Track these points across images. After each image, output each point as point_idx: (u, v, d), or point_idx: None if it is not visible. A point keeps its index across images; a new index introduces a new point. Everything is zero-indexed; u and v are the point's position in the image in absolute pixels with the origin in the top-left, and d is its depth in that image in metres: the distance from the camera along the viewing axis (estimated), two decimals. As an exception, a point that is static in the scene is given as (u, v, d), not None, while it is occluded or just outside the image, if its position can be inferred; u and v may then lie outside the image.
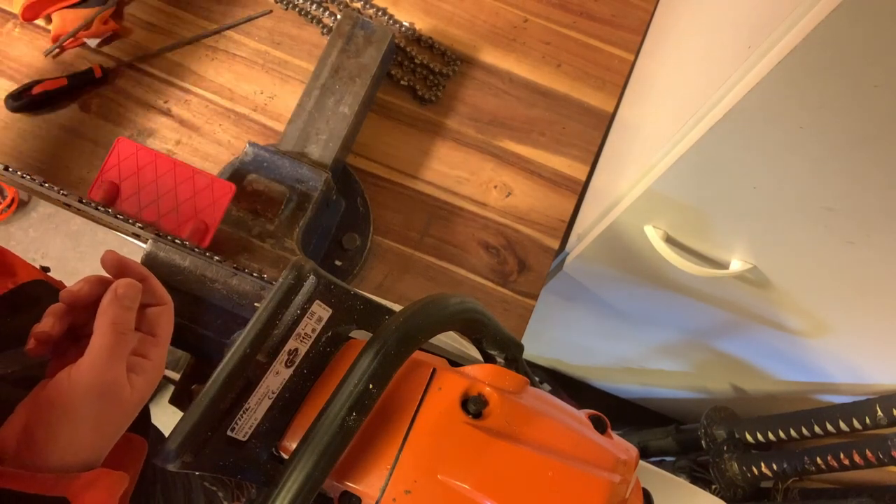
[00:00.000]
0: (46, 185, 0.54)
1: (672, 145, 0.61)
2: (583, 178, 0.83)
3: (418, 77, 0.84)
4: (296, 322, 0.42)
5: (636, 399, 1.55)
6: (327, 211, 0.74)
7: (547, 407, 0.41)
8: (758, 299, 0.80)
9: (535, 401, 0.41)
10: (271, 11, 0.85)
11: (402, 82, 0.83)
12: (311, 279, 0.42)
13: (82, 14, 0.79)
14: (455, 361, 0.45)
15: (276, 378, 0.41)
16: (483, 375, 0.41)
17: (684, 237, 0.74)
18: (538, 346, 1.49)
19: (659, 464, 1.24)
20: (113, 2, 0.82)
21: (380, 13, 0.86)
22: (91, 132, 0.79)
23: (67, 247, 1.66)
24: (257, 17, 0.85)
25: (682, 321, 1.02)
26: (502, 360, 0.47)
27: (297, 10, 0.85)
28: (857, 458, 0.85)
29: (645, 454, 1.24)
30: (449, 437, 0.38)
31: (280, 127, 0.81)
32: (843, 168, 0.52)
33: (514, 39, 0.87)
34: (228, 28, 0.84)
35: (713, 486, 1.02)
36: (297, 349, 0.42)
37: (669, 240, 0.75)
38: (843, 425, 0.86)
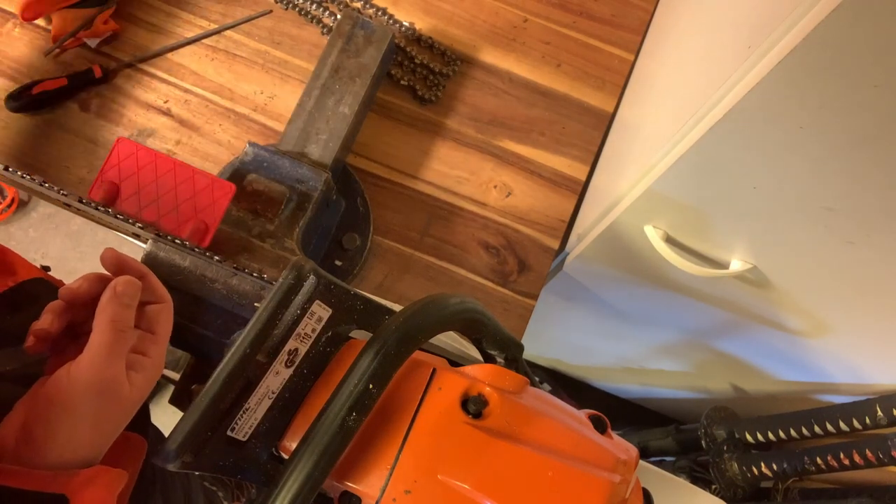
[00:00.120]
0: (46, 185, 0.54)
1: (672, 145, 0.61)
2: (583, 178, 0.83)
3: (418, 77, 0.84)
4: (296, 322, 0.42)
5: (636, 399, 1.55)
6: (327, 211, 0.74)
7: (547, 407, 0.41)
8: (758, 299, 0.81)
9: (535, 401, 0.41)
10: (271, 11, 0.85)
11: (402, 82, 0.83)
12: (311, 279, 0.42)
13: (82, 14, 0.79)
14: (455, 361, 0.45)
15: (276, 378, 0.41)
16: (483, 375, 0.41)
17: (684, 237, 0.74)
18: (538, 346, 1.49)
19: (659, 464, 1.24)
20: (113, 2, 0.82)
21: (380, 13, 0.86)
22: (91, 132, 0.79)
23: (67, 247, 1.66)
24: (257, 17, 0.85)
25: (682, 321, 1.02)
26: (502, 360, 0.47)
27: (297, 10, 0.85)
28: (857, 458, 0.85)
29: (645, 454, 1.24)
30: (449, 437, 0.38)
31: (280, 127, 0.81)
32: (843, 168, 0.52)
33: (513, 39, 0.87)
34: (228, 28, 0.84)
35: (713, 486, 1.02)
36: (297, 349, 0.42)
37: (669, 240, 0.75)
38: (843, 425, 0.86)
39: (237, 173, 0.68)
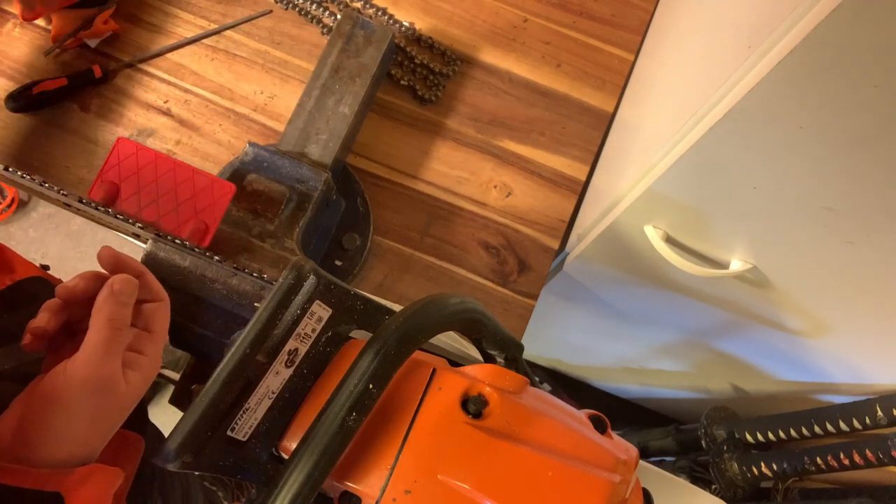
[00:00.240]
0: (46, 185, 0.54)
1: (672, 145, 0.61)
2: (583, 178, 0.83)
3: (418, 77, 0.84)
4: (296, 322, 0.42)
5: (636, 399, 1.55)
6: (327, 211, 0.74)
7: (547, 407, 0.41)
8: (758, 299, 0.81)
9: (535, 401, 0.41)
10: (271, 11, 0.85)
11: (402, 82, 0.83)
12: (311, 279, 0.42)
13: (82, 14, 0.79)
14: (455, 361, 0.45)
15: (276, 378, 0.41)
16: (483, 375, 0.41)
17: (684, 237, 0.74)
18: (538, 346, 1.49)
19: (659, 464, 1.24)
20: (113, 2, 0.82)
21: (380, 13, 0.86)
22: (91, 132, 0.79)
23: (67, 247, 1.66)
24: (257, 17, 0.85)
25: (682, 321, 1.02)
26: (502, 360, 0.47)
27: (297, 10, 0.85)
28: (857, 458, 0.85)
29: (645, 454, 1.24)
30: (449, 437, 0.38)
31: (280, 127, 0.81)
32: (843, 168, 0.52)
33: (513, 39, 0.87)
34: (228, 28, 0.84)
35: (713, 486, 1.02)
36: (297, 349, 0.42)
37: (669, 240, 0.75)
38: (843, 425, 0.86)
39: (237, 173, 0.68)
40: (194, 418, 0.37)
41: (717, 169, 0.60)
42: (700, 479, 1.07)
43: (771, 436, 0.98)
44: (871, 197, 0.54)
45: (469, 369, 0.42)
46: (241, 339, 0.40)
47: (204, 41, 0.83)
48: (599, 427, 0.42)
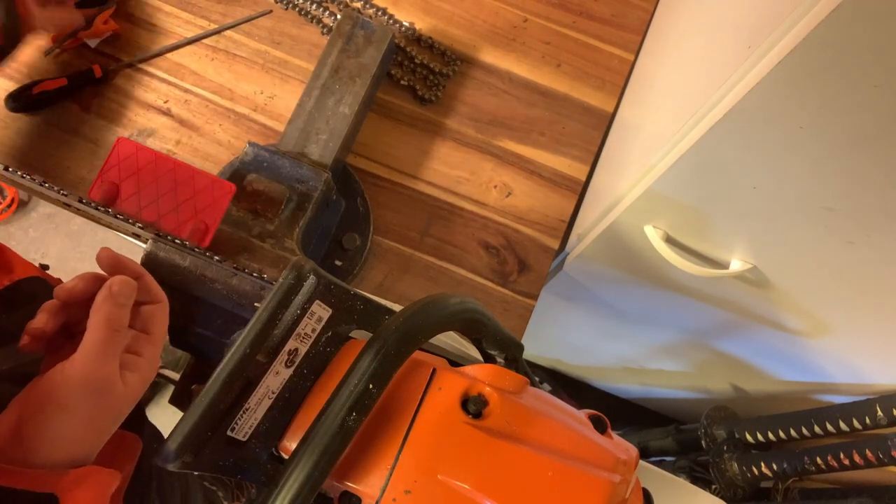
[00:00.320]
0: (46, 185, 0.54)
1: (672, 145, 0.61)
2: (583, 178, 0.83)
3: (418, 77, 0.84)
4: (296, 322, 0.42)
5: (636, 399, 1.55)
6: (327, 211, 0.74)
7: (547, 407, 0.41)
8: (758, 299, 0.80)
9: (535, 401, 0.41)
10: (271, 11, 0.85)
11: (402, 82, 0.83)
12: (311, 279, 0.42)
13: (82, 14, 0.79)
14: (455, 361, 0.45)
15: (276, 378, 0.41)
16: (483, 375, 0.41)
17: (684, 237, 0.74)
18: (538, 346, 1.49)
19: (659, 464, 1.24)
20: (113, 2, 0.82)
21: (380, 13, 0.86)
22: (91, 132, 0.79)
23: (67, 247, 1.66)
24: (257, 17, 0.85)
25: (682, 321, 1.02)
26: (502, 360, 0.47)
27: (297, 10, 0.85)
28: (857, 458, 0.85)
29: (645, 454, 1.24)
30: (449, 437, 0.38)
31: (280, 127, 0.81)
32: (843, 168, 0.52)
33: (513, 39, 0.87)
34: (228, 28, 0.84)
35: (713, 486, 1.02)
36: (297, 349, 0.42)
37: (669, 240, 0.75)
38: (843, 425, 0.86)
39: (237, 173, 0.68)
40: (194, 418, 0.37)
41: (717, 169, 0.60)
42: (700, 479, 1.07)
43: (771, 436, 0.98)
44: (871, 197, 0.54)
45: (469, 369, 0.42)
46: (241, 339, 0.40)
47: (204, 41, 0.83)
48: (599, 427, 0.42)
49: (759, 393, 1.11)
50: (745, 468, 1.00)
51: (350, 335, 0.45)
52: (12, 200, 1.65)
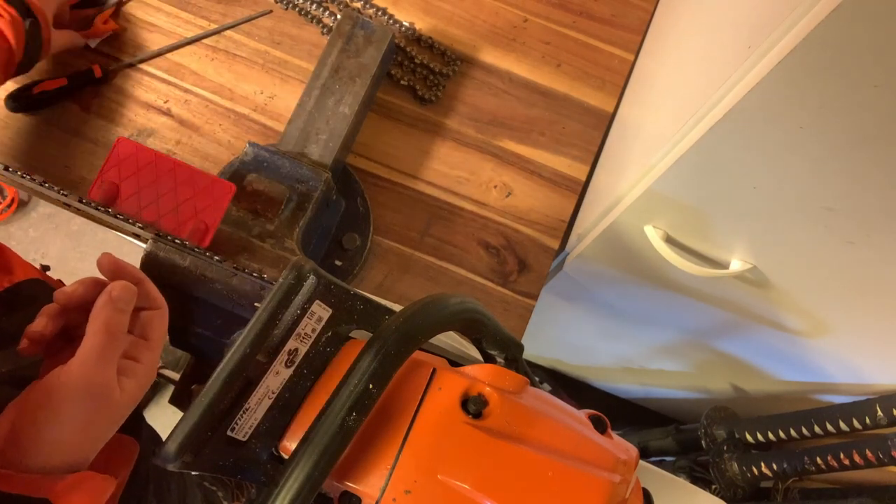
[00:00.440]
0: (46, 185, 0.54)
1: (672, 145, 0.61)
2: (583, 178, 0.83)
3: (418, 77, 0.84)
4: (296, 322, 0.42)
5: (636, 399, 1.55)
6: (327, 211, 0.74)
7: (547, 407, 0.41)
8: (758, 299, 0.80)
9: (535, 401, 0.41)
10: (271, 11, 0.85)
11: (402, 82, 0.83)
12: (311, 279, 0.42)
13: (81, 14, 0.79)
14: (455, 361, 0.45)
15: (276, 378, 0.41)
16: (483, 375, 0.41)
17: (684, 237, 0.74)
18: (538, 346, 1.49)
19: (659, 464, 1.24)
20: (113, 2, 0.82)
21: (380, 13, 0.86)
22: (91, 132, 0.79)
23: (67, 247, 1.66)
24: (257, 17, 0.85)
25: (682, 321, 1.02)
26: (502, 360, 0.47)
27: (297, 9, 0.85)
28: (857, 458, 0.85)
29: (645, 454, 1.24)
30: (449, 437, 0.38)
31: (280, 127, 0.81)
32: (843, 168, 0.52)
33: (513, 39, 0.87)
34: (228, 28, 0.84)
35: (713, 486, 1.02)
36: (297, 349, 0.42)
37: (669, 240, 0.75)
38: (843, 425, 0.86)
39: (237, 173, 0.68)
40: (194, 418, 0.37)
41: (717, 169, 0.60)
42: (700, 479, 1.07)
43: (771, 436, 0.98)
44: (871, 197, 0.54)
45: (469, 369, 0.42)
46: (241, 339, 0.40)
47: (204, 41, 0.83)
48: (599, 427, 0.42)
49: (759, 393, 1.11)
50: (745, 468, 1.00)
51: (350, 335, 0.45)
52: (12, 200, 1.65)
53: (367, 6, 0.86)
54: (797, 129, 0.50)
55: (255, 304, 0.56)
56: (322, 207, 0.71)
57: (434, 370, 0.41)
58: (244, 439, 0.40)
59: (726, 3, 0.61)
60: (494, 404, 0.39)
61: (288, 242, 0.65)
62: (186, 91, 0.81)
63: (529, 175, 0.82)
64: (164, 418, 1.39)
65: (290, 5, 0.85)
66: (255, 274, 0.57)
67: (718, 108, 0.52)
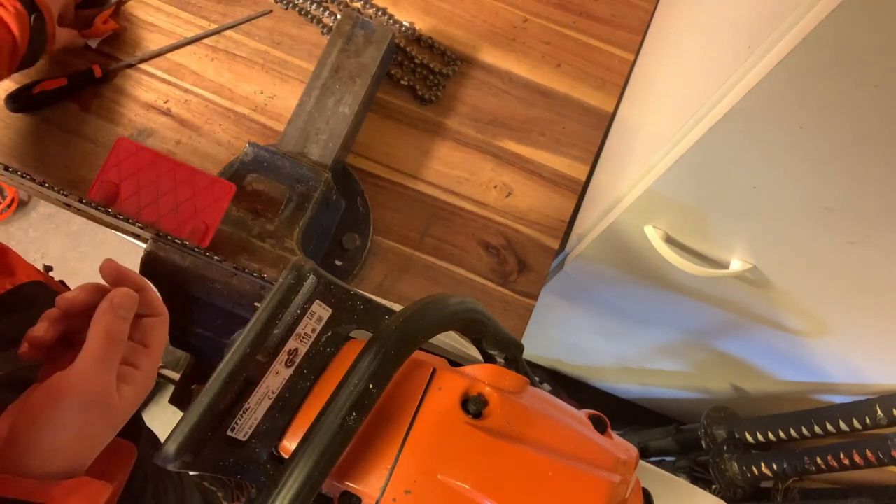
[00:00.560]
0: (46, 185, 0.54)
1: (672, 145, 0.61)
2: (583, 178, 0.83)
3: (418, 77, 0.84)
4: (296, 322, 0.42)
5: (636, 399, 1.55)
6: (327, 211, 0.74)
7: (547, 407, 0.41)
8: (758, 299, 0.80)
9: (535, 401, 0.41)
10: (271, 11, 0.85)
11: (402, 82, 0.83)
12: (311, 279, 0.42)
13: (81, 15, 0.79)
14: (455, 361, 0.45)
15: (276, 378, 0.41)
16: (483, 375, 0.41)
17: (684, 237, 0.74)
18: (538, 346, 1.49)
19: (659, 464, 1.24)
20: (113, 2, 0.82)
21: (380, 13, 0.86)
22: (91, 132, 0.79)
23: (67, 247, 1.66)
24: (257, 17, 0.85)
25: (682, 321, 1.02)
26: (502, 360, 0.47)
27: (296, 9, 0.85)
28: (857, 458, 0.85)
29: (645, 454, 1.23)
30: (449, 437, 0.38)
31: (280, 127, 0.81)
32: (843, 168, 0.52)
33: (513, 39, 0.87)
34: (228, 28, 0.84)
35: (713, 486, 1.02)
36: (297, 349, 0.42)
37: (669, 240, 0.75)
38: (843, 425, 0.86)
39: (237, 173, 0.68)
40: (194, 418, 0.37)
41: (717, 169, 0.60)
42: (700, 479, 1.07)
43: (771, 436, 0.98)
44: (871, 197, 0.54)
45: (469, 369, 0.42)
46: (241, 339, 0.40)
47: (204, 41, 0.83)
48: (599, 427, 0.42)
49: (759, 393, 1.11)
50: (745, 468, 1.00)
51: (350, 335, 0.45)
52: (12, 200, 1.65)
53: (367, 6, 0.86)
54: (797, 129, 0.50)
55: (255, 304, 0.56)
56: (322, 207, 0.71)
57: (434, 370, 0.41)
58: (244, 439, 0.40)
59: (726, 3, 0.61)
60: (494, 404, 0.39)
61: (288, 242, 0.65)
62: (186, 91, 0.81)
63: (529, 175, 0.82)
64: (164, 418, 1.39)
65: (290, 5, 0.85)
66: (255, 274, 0.57)
67: (718, 108, 0.52)
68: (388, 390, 0.38)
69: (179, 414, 0.41)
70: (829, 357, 0.87)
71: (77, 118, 0.79)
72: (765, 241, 0.68)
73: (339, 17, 0.79)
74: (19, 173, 0.53)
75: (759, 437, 1.00)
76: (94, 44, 0.81)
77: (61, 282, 0.73)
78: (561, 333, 1.36)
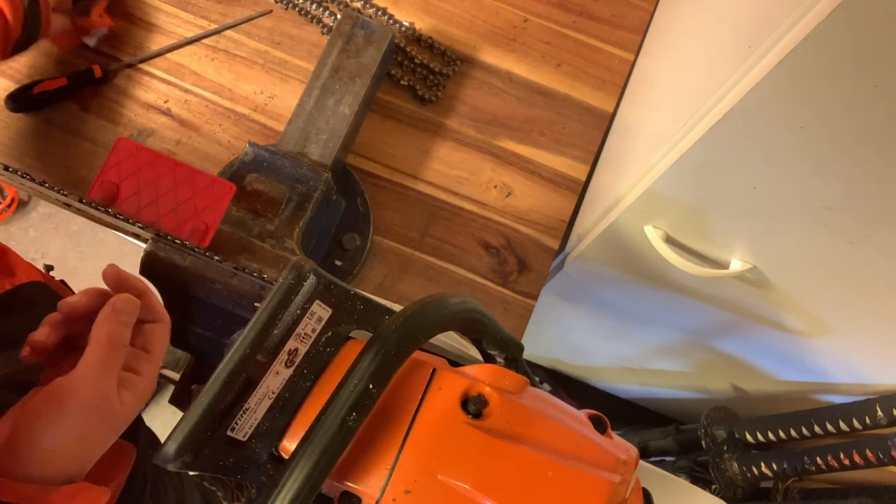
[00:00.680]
0: (46, 185, 0.54)
1: (672, 145, 0.61)
2: (583, 178, 0.83)
3: (418, 77, 0.84)
4: (296, 322, 0.42)
5: (636, 399, 1.55)
6: (327, 211, 0.74)
7: (547, 407, 0.41)
8: (758, 299, 0.80)
9: (535, 401, 0.41)
10: (271, 11, 0.85)
11: (402, 82, 0.83)
12: (311, 279, 0.42)
13: (79, 10, 0.79)
14: (455, 361, 0.45)
15: (276, 378, 0.41)
16: (483, 375, 0.41)
17: (684, 237, 0.74)
18: (538, 346, 1.49)
19: (659, 464, 1.24)
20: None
21: (380, 13, 0.86)
22: (91, 132, 0.79)
23: (67, 247, 1.66)
24: (257, 17, 0.85)
25: (682, 321, 1.02)
26: (502, 360, 0.47)
27: (297, 9, 0.85)
28: (857, 458, 0.85)
29: (645, 454, 1.23)
30: (449, 437, 0.38)
31: (280, 127, 0.81)
32: (843, 168, 0.52)
33: (513, 39, 0.87)
34: (228, 28, 0.84)
35: (713, 486, 1.02)
36: (297, 349, 0.42)
37: (669, 240, 0.75)
38: (843, 425, 0.86)
39: (237, 173, 0.68)
40: (194, 418, 0.37)
41: (717, 169, 0.60)
42: (700, 479, 1.07)
43: (771, 436, 0.98)
44: (871, 197, 0.54)
45: (469, 369, 0.42)
46: (241, 339, 0.40)
47: (204, 41, 0.83)
48: (599, 427, 0.42)
49: (759, 393, 1.11)
50: (745, 468, 1.00)
51: (350, 335, 0.45)
52: (12, 200, 1.65)
53: (367, 6, 0.86)
54: (797, 129, 0.50)
55: (255, 304, 0.56)
56: (322, 207, 0.71)
57: (434, 370, 0.41)
58: (244, 439, 0.40)
59: (726, 3, 0.61)
60: (494, 404, 0.39)
61: (288, 242, 0.65)
62: (186, 91, 0.81)
63: (529, 175, 0.82)
64: (164, 418, 1.39)
65: (290, 5, 0.85)
66: (255, 274, 0.57)
67: (718, 108, 0.52)
68: (388, 390, 0.38)
69: (179, 414, 0.41)
70: (829, 357, 0.87)
71: (77, 118, 0.79)
72: (765, 241, 0.68)
73: (339, 17, 0.79)
74: (19, 173, 0.53)
75: (759, 437, 1.00)
76: (91, 42, 0.81)
77: (62, 281, 0.73)
78: (561, 333, 1.36)
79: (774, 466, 0.97)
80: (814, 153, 0.52)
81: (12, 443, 0.39)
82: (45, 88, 0.77)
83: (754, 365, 1.04)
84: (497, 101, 0.84)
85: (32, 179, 0.53)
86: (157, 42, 0.83)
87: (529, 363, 1.17)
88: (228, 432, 0.39)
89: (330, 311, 0.43)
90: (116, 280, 0.46)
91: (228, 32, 0.84)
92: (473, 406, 0.39)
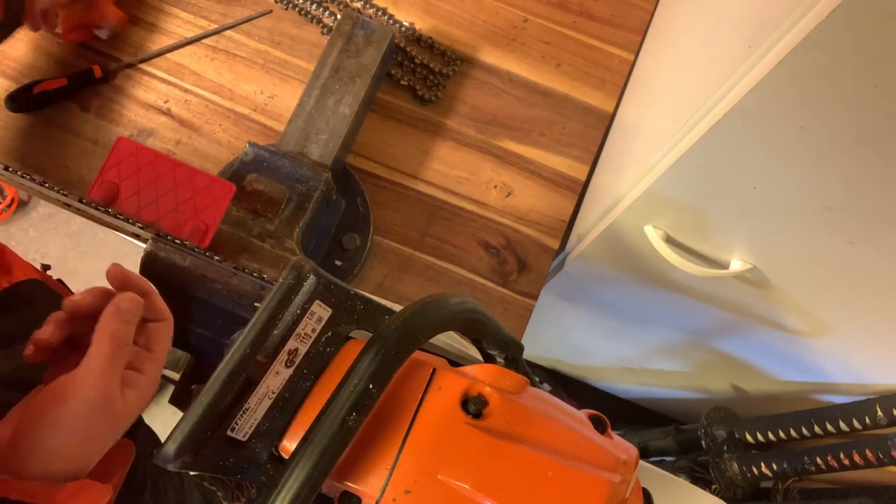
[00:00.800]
0: (46, 185, 0.54)
1: (672, 145, 0.61)
2: (583, 178, 0.83)
3: (418, 77, 0.84)
4: (296, 322, 0.42)
5: (636, 399, 1.55)
6: (327, 211, 0.74)
7: (547, 407, 0.41)
8: (758, 299, 0.80)
9: (535, 401, 0.41)
10: (271, 11, 0.85)
11: (402, 82, 0.83)
12: (311, 279, 0.42)
13: (86, 4, 0.79)
14: (455, 361, 0.45)
15: (276, 378, 0.41)
16: (483, 375, 0.41)
17: (684, 237, 0.74)
18: (538, 346, 1.49)
19: (659, 464, 1.24)
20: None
21: (380, 13, 0.86)
22: (91, 132, 0.79)
23: (67, 247, 1.66)
24: (257, 17, 0.85)
25: (682, 321, 1.02)
26: (502, 360, 0.47)
27: (296, 9, 0.85)
28: (857, 458, 0.85)
29: (645, 454, 1.23)
30: (449, 437, 0.38)
31: (280, 127, 0.81)
32: (843, 168, 0.52)
33: (513, 39, 0.87)
34: (228, 28, 0.84)
35: (713, 486, 1.02)
36: (297, 349, 0.42)
37: (669, 240, 0.75)
38: (843, 425, 0.86)
39: (237, 173, 0.68)
40: (194, 418, 0.37)
41: (717, 169, 0.60)
42: (700, 479, 1.07)
43: (771, 436, 0.98)
44: (871, 197, 0.54)
45: (469, 369, 0.42)
46: (241, 339, 0.40)
47: (204, 41, 0.83)
48: (599, 427, 0.42)
49: (759, 393, 1.11)
50: (745, 468, 1.00)
51: (350, 335, 0.45)
52: (12, 200, 1.65)
53: (367, 6, 0.86)
54: (797, 129, 0.50)
55: (255, 304, 0.56)
56: (322, 207, 0.71)
57: (434, 370, 0.41)
58: (244, 439, 0.40)
59: (726, 3, 0.61)
60: (494, 404, 0.39)
61: (288, 242, 0.65)
62: (186, 91, 0.81)
63: (529, 175, 0.82)
64: (164, 418, 1.39)
65: (290, 5, 0.85)
66: (255, 274, 0.57)
67: (718, 108, 0.52)
68: (388, 390, 0.38)
69: (179, 414, 0.41)
70: (829, 357, 0.87)
71: (77, 118, 0.79)
72: (765, 241, 0.68)
73: (339, 17, 0.79)
74: (19, 173, 0.53)
75: (759, 437, 1.00)
76: (104, 34, 0.80)
77: (59, 280, 0.73)
78: (561, 333, 1.36)
79: (774, 466, 0.97)
80: (814, 153, 0.52)
81: (16, 441, 0.39)
82: (45, 88, 0.77)
83: (754, 365, 1.04)
84: (497, 101, 0.84)
85: (32, 179, 0.53)
86: (157, 42, 0.83)
87: (529, 363, 1.17)
88: (228, 432, 0.39)
89: (330, 311, 0.43)
90: (120, 279, 0.46)
91: (228, 32, 0.84)
92: (473, 406, 0.39)
